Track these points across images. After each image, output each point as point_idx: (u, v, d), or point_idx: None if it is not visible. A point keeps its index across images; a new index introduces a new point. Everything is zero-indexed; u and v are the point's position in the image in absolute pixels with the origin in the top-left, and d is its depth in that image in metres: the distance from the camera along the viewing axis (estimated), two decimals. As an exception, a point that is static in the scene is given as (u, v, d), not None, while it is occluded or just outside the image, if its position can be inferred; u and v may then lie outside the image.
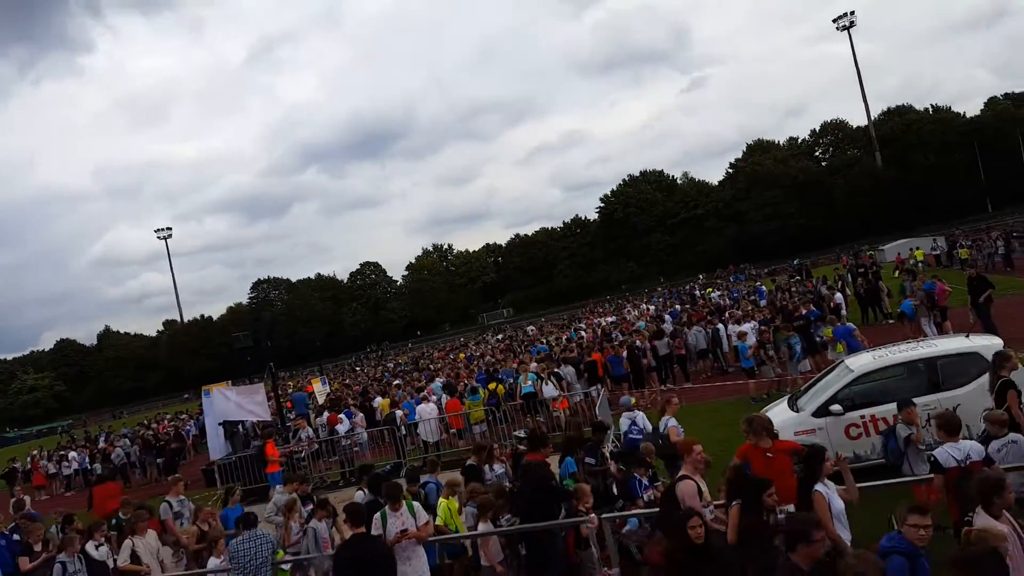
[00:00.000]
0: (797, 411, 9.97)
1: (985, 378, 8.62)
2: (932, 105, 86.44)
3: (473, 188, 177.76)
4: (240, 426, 18.80)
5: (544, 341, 31.32)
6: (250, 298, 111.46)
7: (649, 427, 10.37)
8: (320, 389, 29.01)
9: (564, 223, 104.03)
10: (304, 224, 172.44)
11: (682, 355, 19.88)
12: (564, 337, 31.06)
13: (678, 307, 31.83)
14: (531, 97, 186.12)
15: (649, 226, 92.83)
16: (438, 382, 21.48)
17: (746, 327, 18.14)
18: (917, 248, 44.06)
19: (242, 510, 9.20)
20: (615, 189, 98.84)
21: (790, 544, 4.41)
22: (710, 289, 44.02)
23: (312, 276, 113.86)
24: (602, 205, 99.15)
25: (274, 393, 22.18)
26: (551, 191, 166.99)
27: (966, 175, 73.83)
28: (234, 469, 15.97)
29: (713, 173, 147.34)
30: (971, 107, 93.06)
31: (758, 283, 39.85)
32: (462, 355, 39.11)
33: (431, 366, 35.16)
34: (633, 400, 11.96)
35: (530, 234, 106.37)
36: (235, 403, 17.41)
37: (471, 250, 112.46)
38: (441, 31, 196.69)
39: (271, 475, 14.57)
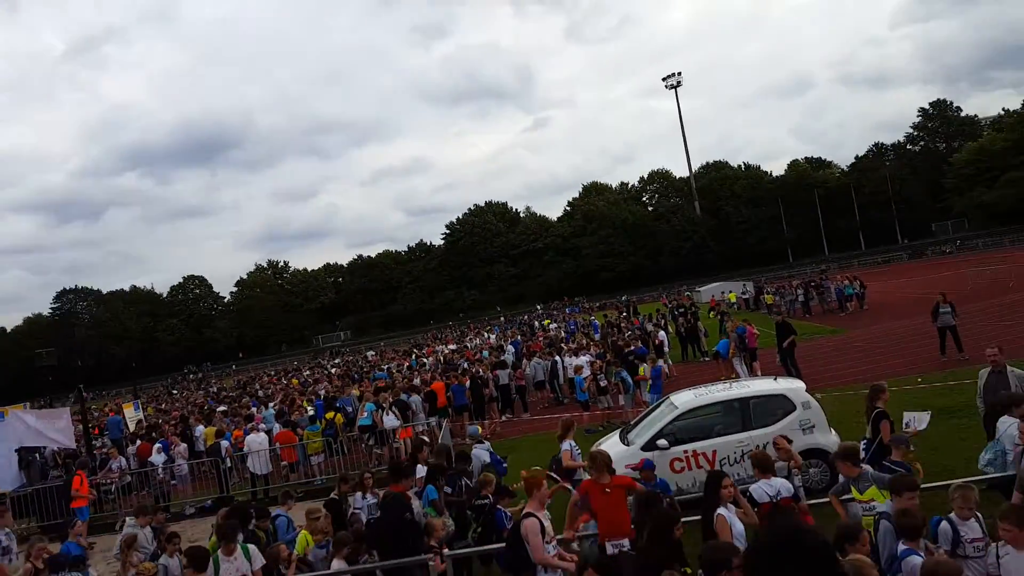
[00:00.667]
0: (628, 444, 10.46)
1: (791, 417, 9.74)
2: (744, 163, 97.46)
3: (314, 205, 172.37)
4: (37, 454, 16.57)
5: (384, 368, 30.74)
6: (52, 309, 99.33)
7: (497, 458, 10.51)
8: (132, 415, 26.26)
9: (409, 247, 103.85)
10: (121, 231, 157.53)
11: (522, 386, 20.40)
12: (405, 364, 30.70)
13: (519, 338, 32.69)
14: (378, 120, 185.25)
15: (492, 255, 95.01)
16: (270, 409, 20.29)
17: (582, 360, 19.04)
18: (730, 292, 49.02)
19: (79, 548, 8.08)
20: (460, 217, 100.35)
21: (712, 572, 4.28)
22: (548, 321, 45.72)
23: (126, 288, 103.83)
24: (447, 232, 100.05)
25: (82, 417, 19.77)
26: (395, 214, 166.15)
27: (772, 227, 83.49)
28: (29, 503, 14.16)
29: (553, 209, 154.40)
30: (777, 167, 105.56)
31: (592, 317, 42.03)
32: (295, 380, 37.27)
33: (260, 392, 33.09)
34: (480, 429, 12.06)
35: (373, 256, 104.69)
36: (35, 428, 15.36)
37: (310, 269, 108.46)
38: (287, 43, 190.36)
39: (78, 510, 12.91)
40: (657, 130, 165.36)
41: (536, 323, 45.40)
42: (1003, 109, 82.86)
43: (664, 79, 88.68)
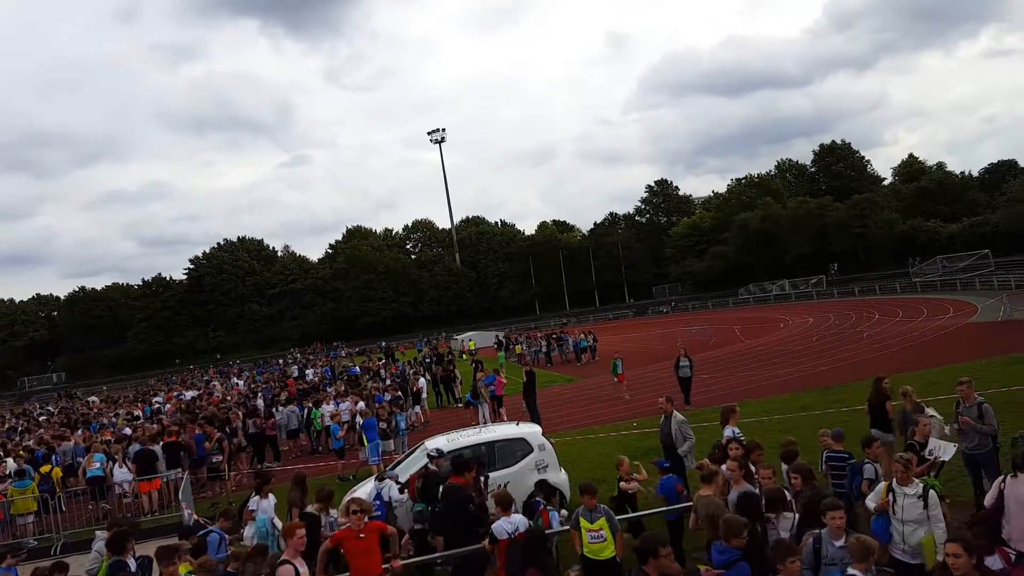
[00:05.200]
0: (383, 490, 10.92)
1: (529, 458, 10.94)
2: (501, 220, 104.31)
3: (24, 227, 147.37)
4: None
5: (113, 415, 27.37)
6: None
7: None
8: None
9: (144, 280, 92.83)
10: None
11: (273, 435, 19.66)
12: (138, 412, 27.65)
13: (272, 384, 31.26)
14: (110, 138, 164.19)
15: (244, 294, 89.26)
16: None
17: (340, 407, 18.98)
18: (471, 340, 51.99)
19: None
20: (208, 252, 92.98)
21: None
22: (299, 365, 44.18)
23: None
24: (192, 267, 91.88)
25: None
26: (126, 243, 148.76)
27: (523, 282, 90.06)
28: None
29: (314, 250, 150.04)
30: (529, 226, 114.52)
31: (352, 364, 41.57)
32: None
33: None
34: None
35: (98, 288, 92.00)
36: None
37: (16, 300, 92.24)
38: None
39: None
40: (421, 180, 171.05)
41: (295, 369, 43.62)
42: (712, 191, 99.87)
43: (429, 133, 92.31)
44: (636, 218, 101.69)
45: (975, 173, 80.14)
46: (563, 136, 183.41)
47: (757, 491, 7.22)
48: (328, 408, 19.91)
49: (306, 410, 20.90)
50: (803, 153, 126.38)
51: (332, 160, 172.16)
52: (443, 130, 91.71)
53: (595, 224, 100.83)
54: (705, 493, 7.33)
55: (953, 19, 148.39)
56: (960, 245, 57.55)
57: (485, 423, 17.71)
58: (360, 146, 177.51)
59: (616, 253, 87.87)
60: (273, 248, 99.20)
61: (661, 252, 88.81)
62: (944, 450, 8.31)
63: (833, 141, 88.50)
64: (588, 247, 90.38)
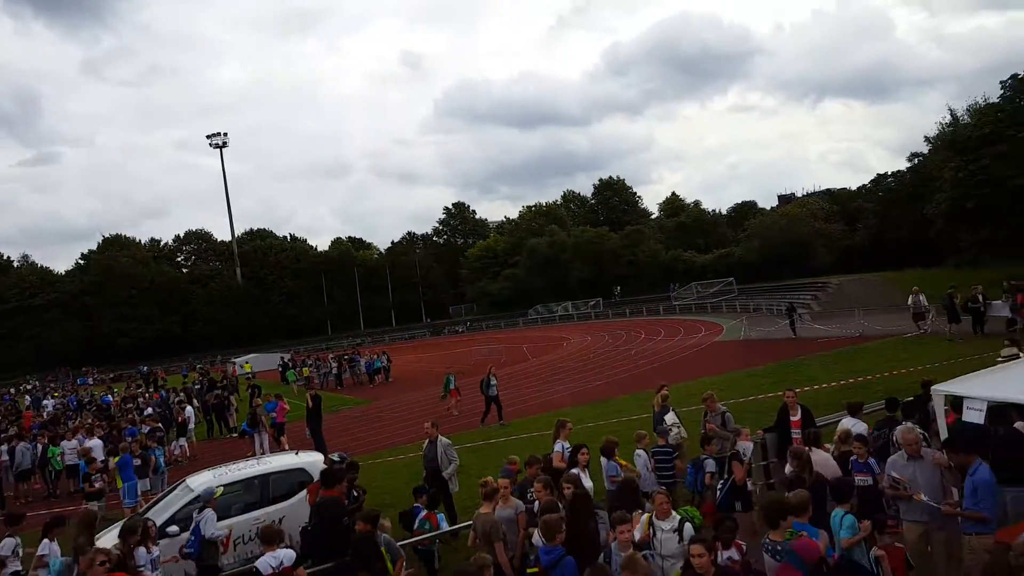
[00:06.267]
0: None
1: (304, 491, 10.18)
2: (291, 234, 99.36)
3: None
4: None
5: None
6: None
7: None
8: None
9: None
10: None
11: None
12: None
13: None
14: None
15: (-35, 311, 74.95)
16: None
17: (92, 443, 16.40)
18: (247, 362, 48.68)
19: None
20: (-81, 260, 77.08)
21: None
22: (34, 395, 37.98)
23: None
24: None
25: None
26: None
27: (314, 300, 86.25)
28: None
29: (61, 261, 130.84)
30: (322, 242, 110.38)
31: (104, 392, 36.43)
32: None
33: None
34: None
35: None
36: None
37: None
38: None
39: None
40: (198, 187, 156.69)
41: (28, 400, 37.25)
42: (505, 217, 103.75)
43: (209, 137, 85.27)
44: (434, 239, 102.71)
45: (724, 211, 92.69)
46: (359, 152, 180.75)
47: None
48: (69, 444, 17.15)
49: (40, 447, 17.82)
50: (585, 186, 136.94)
51: (88, 160, 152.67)
52: (225, 134, 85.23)
53: (393, 243, 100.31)
54: (484, 511, 7.31)
55: (708, 76, 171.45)
56: (711, 273, 65.47)
57: (263, 453, 16.40)
58: (123, 147, 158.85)
59: (414, 272, 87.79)
60: (8, 257, 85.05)
61: (458, 273, 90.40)
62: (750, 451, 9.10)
63: (611, 177, 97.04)
64: (385, 265, 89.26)
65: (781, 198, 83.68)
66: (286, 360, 43.42)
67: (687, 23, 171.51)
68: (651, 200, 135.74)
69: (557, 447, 9.57)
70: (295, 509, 9.99)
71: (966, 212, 33.33)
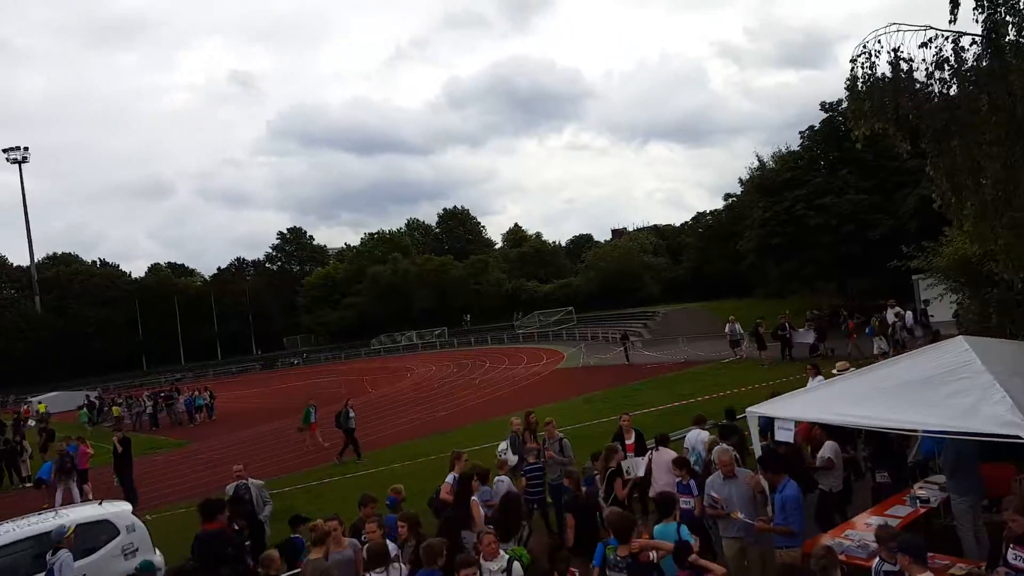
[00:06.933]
0: None
1: (114, 542, 9.05)
2: (101, 259, 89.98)
3: None
4: None
5: None
6: None
7: None
8: None
9: None
10: None
11: None
12: None
13: None
14: None
15: None
16: None
17: None
18: (41, 402, 43.14)
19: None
20: None
21: None
22: None
23: None
24: None
25: None
26: None
27: (127, 332, 78.14)
28: None
29: None
30: (136, 268, 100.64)
31: None
32: None
33: None
34: None
35: None
36: None
37: None
38: None
39: None
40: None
41: None
42: (346, 243, 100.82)
43: (5, 151, 75.58)
44: (267, 265, 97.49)
45: (563, 243, 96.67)
46: (182, 172, 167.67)
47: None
48: None
49: None
50: (429, 214, 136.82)
51: None
52: (25, 148, 76.08)
53: (219, 269, 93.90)
54: (314, 557, 6.87)
55: (544, 115, 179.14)
56: (552, 302, 67.76)
57: (66, 504, 14.34)
58: None
59: (244, 301, 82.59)
60: None
61: (294, 301, 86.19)
62: (636, 467, 9.29)
63: (455, 206, 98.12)
64: (210, 294, 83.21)
65: (614, 232, 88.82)
66: (92, 399, 38.78)
67: (522, 64, 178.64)
68: (495, 230, 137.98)
69: (449, 479, 9.29)
70: (99, 565, 8.90)
71: (773, 248, 37.18)
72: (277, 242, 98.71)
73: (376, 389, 36.90)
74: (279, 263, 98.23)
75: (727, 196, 56.99)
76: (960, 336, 7.58)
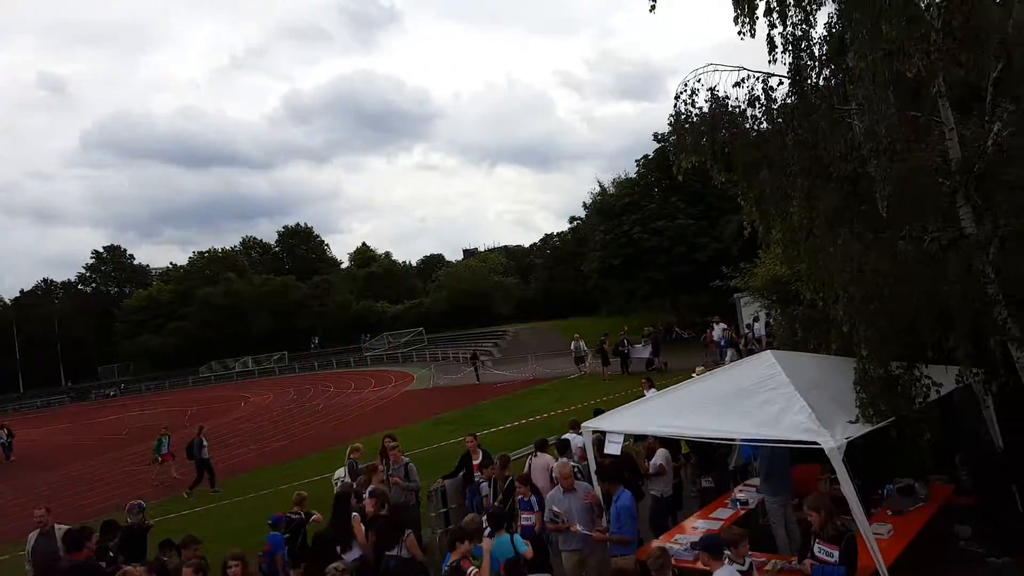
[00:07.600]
0: None
1: None
2: None
3: None
4: None
5: None
6: None
7: None
8: None
9: None
10: None
11: None
12: None
13: None
14: None
15: None
16: None
17: None
18: None
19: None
20: None
21: None
22: None
23: None
24: None
25: None
26: None
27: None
28: None
29: None
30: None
31: None
32: None
33: None
34: None
35: None
36: None
37: None
38: None
39: None
40: None
41: None
42: (172, 263, 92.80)
43: None
44: (79, 287, 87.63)
45: (414, 263, 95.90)
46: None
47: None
48: None
49: None
50: (268, 232, 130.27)
51: None
52: None
53: (22, 292, 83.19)
54: None
55: (393, 134, 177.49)
56: (402, 323, 66.85)
57: None
58: None
59: (52, 327, 73.62)
60: None
61: (111, 327, 78.00)
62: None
63: (297, 224, 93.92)
64: (11, 320, 73.49)
65: (466, 252, 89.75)
66: None
67: (370, 81, 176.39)
68: (341, 250, 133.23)
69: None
70: None
71: (614, 268, 39.22)
72: (92, 261, 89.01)
73: (208, 420, 34.12)
74: (94, 284, 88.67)
75: (572, 219, 59.59)
76: (768, 351, 8.29)
